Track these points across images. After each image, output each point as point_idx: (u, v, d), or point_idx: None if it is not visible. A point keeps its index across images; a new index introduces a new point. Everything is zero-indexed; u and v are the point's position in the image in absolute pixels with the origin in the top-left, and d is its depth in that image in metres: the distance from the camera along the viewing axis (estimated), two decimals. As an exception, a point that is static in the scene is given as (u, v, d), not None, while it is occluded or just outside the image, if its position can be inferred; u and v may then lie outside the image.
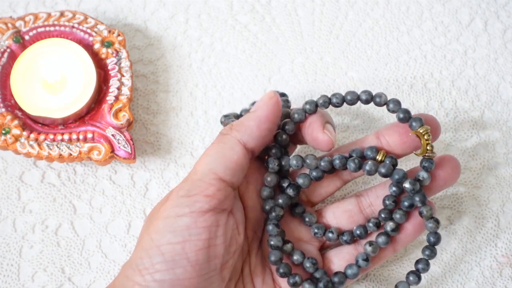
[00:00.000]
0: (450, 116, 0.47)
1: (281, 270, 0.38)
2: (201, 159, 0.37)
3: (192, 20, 0.50)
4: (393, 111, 0.39)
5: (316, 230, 0.41)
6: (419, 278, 0.40)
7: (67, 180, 0.45)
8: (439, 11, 0.50)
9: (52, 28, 0.46)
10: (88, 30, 0.46)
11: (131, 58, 0.48)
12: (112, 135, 0.43)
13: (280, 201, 0.39)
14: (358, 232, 0.40)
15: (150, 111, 0.47)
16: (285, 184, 0.40)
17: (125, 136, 0.44)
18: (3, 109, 0.44)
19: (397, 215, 0.39)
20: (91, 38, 0.46)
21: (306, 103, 0.40)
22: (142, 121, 0.47)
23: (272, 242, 0.38)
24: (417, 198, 0.39)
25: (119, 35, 0.46)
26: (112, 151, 0.43)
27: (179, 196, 0.36)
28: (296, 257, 0.39)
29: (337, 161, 0.39)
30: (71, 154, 0.43)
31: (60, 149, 0.43)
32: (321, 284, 0.39)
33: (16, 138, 0.43)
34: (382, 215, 0.40)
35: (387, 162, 0.39)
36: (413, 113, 0.47)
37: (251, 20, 0.50)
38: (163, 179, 0.46)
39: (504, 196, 0.45)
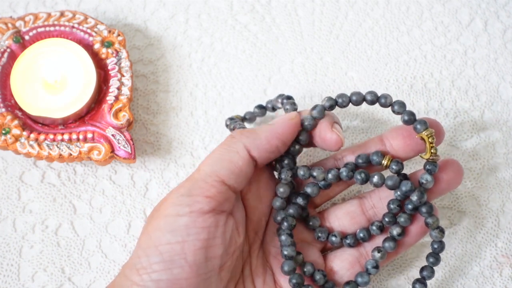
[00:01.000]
0: (450, 116, 0.47)
1: (294, 281, 0.38)
2: (206, 159, 0.37)
3: (192, 20, 0.50)
4: (398, 113, 0.39)
5: (319, 234, 0.41)
6: (425, 286, 0.40)
7: (67, 180, 0.45)
8: (439, 11, 0.50)
9: (52, 28, 0.46)
10: (88, 30, 0.46)
11: (131, 58, 0.48)
12: (112, 135, 0.43)
13: (291, 211, 0.39)
14: (361, 235, 0.40)
15: (150, 111, 0.47)
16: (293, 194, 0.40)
17: (125, 136, 0.44)
18: (3, 109, 0.44)
19: (401, 219, 0.39)
20: (91, 38, 0.46)
21: (314, 108, 0.39)
22: (142, 121, 0.47)
23: (286, 252, 0.38)
24: (423, 210, 0.39)
25: (119, 35, 0.46)
26: (112, 151, 0.43)
27: (179, 195, 0.36)
28: (307, 268, 0.39)
29: (344, 173, 0.39)
30: (71, 154, 0.43)
31: (60, 149, 0.43)
32: None
33: (16, 138, 0.43)
34: (386, 219, 0.40)
35: (393, 167, 0.39)
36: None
37: (251, 20, 0.50)
38: (163, 179, 0.45)
39: (504, 196, 0.45)
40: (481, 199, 0.45)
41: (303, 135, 0.39)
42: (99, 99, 0.45)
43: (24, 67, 0.44)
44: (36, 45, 0.45)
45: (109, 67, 0.45)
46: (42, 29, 0.46)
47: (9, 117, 0.43)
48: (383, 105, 0.39)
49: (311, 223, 0.41)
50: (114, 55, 0.46)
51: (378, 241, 0.41)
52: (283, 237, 0.39)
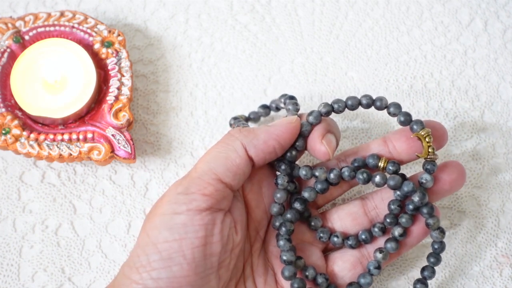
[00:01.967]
0: (450, 116, 0.47)
1: (295, 285, 0.38)
2: (203, 156, 0.37)
3: (192, 20, 0.50)
4: (394, 115, 0.39)
5: (321, 235, 0.41)
6: (426, 286, 0.40)
7: (67, 180, 0.45)
8: (439, 11, 0.50)
9: (52, 28, 0.46)
10: (88, 30, 0.46)
11: (131, 58, 0.48)
12: (112, 135, 0.43)
13: (289, 216, 0.39)
14: (363, 236, 0.40)
15: (150, 111, 0.47)
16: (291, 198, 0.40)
17: (125, 136, 0.44)
18: (3, 109, 0.44)
19: (403, 219, 0.40)
20: (91, 38, 0.46)
21: (310, 114, 0.39)
22: (142, 121, 0.47)
23: (285, 258, 0.38)
24: (424, 210, 0.39)
25: (119, 35, 0.46)
26: (112, 151, 0.43)
27: (177, 193, 0.36)
28: (309, 273, 0.39)
29: (346, 173, 0.39)
30: (71, 154, 0.43)
31: (60, 149, 0.43)
32: None
33: (16, 138, 0.43)
34: (388, 220, 0.40)
35: (390, 168, 0.39)
36: (413, 113, 0.47)
37: (251, 20, 0.50)
38: (163, 179, 0.45)
39: (504, 196, 0.45)
40: (481, 199, 0.45)
41: (300, 141, 0.39)
42: (99, 99, 0.45)
43: (24, 67, 0.44)
44: (36, 45, 0.45)
45: (109, 67, 0.45)
46: (42, 29, 0.46)
47: (9, 117, 0.43)
48: (379, 108, 0.40)
49: (313, 224, 0.41)
50: (114, 55, 0.46)
51: (380, 242, 0.41)
52: (281, 242, 0.39)
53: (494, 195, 0.45)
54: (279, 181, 0.39)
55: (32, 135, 0.43)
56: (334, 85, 0.48)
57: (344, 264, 0.40)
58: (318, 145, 0.39)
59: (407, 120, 0.39)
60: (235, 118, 0.44)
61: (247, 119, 0.45)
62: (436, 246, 0.40)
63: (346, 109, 0.40)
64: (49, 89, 0.44)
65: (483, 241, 0.44)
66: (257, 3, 0.50)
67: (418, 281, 0.40)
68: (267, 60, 0.49)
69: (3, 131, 0.43)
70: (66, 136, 0.43)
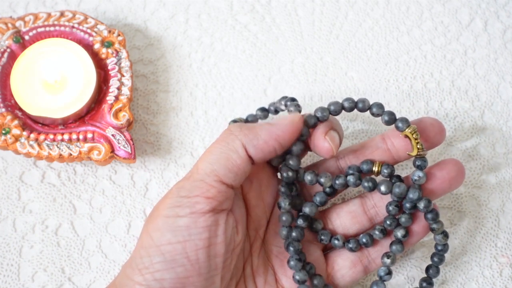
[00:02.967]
0: (450, 116, 0.47)
1: None
2: (204, 156, 0.37)
3: (192, 20, 0.50)
4: (377, 115, 0.39)
5: (322, 237, 0.41)
6: (432, 285, 0.41)
7: (67, 180, 0.45)
8: (439, 11, 0.50)
9: (52, 28, 0.46)
10: (88, 30, 0.46)
11: (131, 58, 0.48)
12: (112, 135, 0.43)
13: (295, 234, 0.39)
14: (364, 240, 0.40)
15: (150, 111, 0.47)
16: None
17: (125, 136, 0.44)
18: (3, 109, 0.44)
19: (402, 219, 0.40)
20: (91, 38, 0.46)
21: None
22: (142, 121, 0.47)
23: (298, 277, 0.39)
24: (429, 216, 0.39)
25: (119, 35, 0.46)
26: (112, 151, 0.43)
27: (179, 196, 0.36)
28: (316, 282, 0.39)
29: (351, 181, 0.39)
30: (71, 154, 0.43)
31: (60, 149, 0.43)
32: None
33: (16, 138, 0.43)
34: (388, 222, 0.40)
35: (385, 171, 0.39)
36: (413, 113, 0.47)
37: (251, 20, 0.50)
38: (163, 179, 0.45)
39: (504, 196, 0.45)
40: (481, 199, 0.45)
41: (293, 160, 0.39)
42: (99, 99, 0.45)
43: (24, 67, 0.44)
44: (36, 45, 0.45)
45: (109, 67, 0.45)
46: (42, 29, 0.46)
47: (9, 117, 0.43)
48: (362, 110, 0.40)
49: (314, 226, 0.41)
50: (114, 55, 0.46)
51: (380, 244, 0.41)
52: (292, 263, 0.39)
53: (494, 195, 0.45)
54: (282, 204, 0.39)
55: (32, 135, 0.43)
56: (334, 85, 0.48)
57: (344, 262, 0.41)
58: (322, 142, 0.39)
59: (391, 119, 0.39)
60: (234, 121, 0.44)
61: (245, 122, 0.45)
62: (439, 248, 0.41)
63: (330, 115, 0.40)
64: (49, 89, 0.44)
65: (483, 241, 0.44)
66: (257, 3, 0.50)
67: (423, 280, 0.41)
68: (267, 60, 0.49)
69: (3, 131, 0.43)
70: (66, 136, 0.43)
